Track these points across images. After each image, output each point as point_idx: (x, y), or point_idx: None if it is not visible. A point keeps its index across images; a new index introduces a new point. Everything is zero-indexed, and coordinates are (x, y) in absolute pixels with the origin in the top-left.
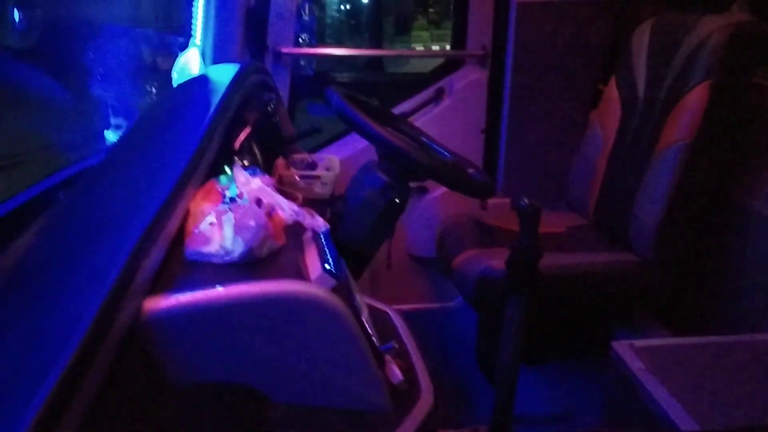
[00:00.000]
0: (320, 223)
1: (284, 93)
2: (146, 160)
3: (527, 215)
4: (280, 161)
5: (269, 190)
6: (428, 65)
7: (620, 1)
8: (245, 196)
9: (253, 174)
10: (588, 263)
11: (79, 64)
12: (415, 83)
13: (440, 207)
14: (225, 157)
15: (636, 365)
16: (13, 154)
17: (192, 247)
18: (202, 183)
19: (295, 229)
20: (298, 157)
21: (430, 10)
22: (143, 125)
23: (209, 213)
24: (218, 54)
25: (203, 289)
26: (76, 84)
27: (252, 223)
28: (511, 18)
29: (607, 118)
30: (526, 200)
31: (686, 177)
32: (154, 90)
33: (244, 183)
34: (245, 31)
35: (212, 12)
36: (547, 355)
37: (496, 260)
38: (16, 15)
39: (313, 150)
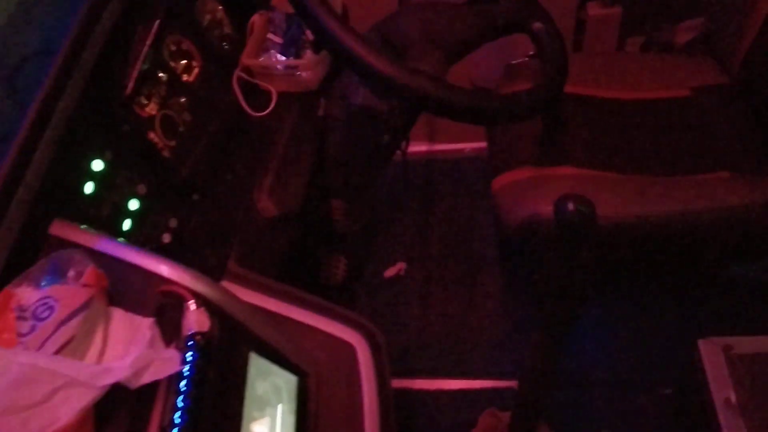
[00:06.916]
0: (169, 366)
1: None
2: None
3: (571, 229)
4: (257, 18)
5: (46, 364)
6: None
7: None
8: None
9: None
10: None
11: None
12: None
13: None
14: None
15: None
16: None
17: None
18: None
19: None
20: (281, 12)
21: None
22: None
23: None
24: None
25: None
26: None
27: None
28: None
29: None
30: (571, 205)
31: None
32: None
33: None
34: None
35: None
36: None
37: (556, 199)
38: None
39: None
